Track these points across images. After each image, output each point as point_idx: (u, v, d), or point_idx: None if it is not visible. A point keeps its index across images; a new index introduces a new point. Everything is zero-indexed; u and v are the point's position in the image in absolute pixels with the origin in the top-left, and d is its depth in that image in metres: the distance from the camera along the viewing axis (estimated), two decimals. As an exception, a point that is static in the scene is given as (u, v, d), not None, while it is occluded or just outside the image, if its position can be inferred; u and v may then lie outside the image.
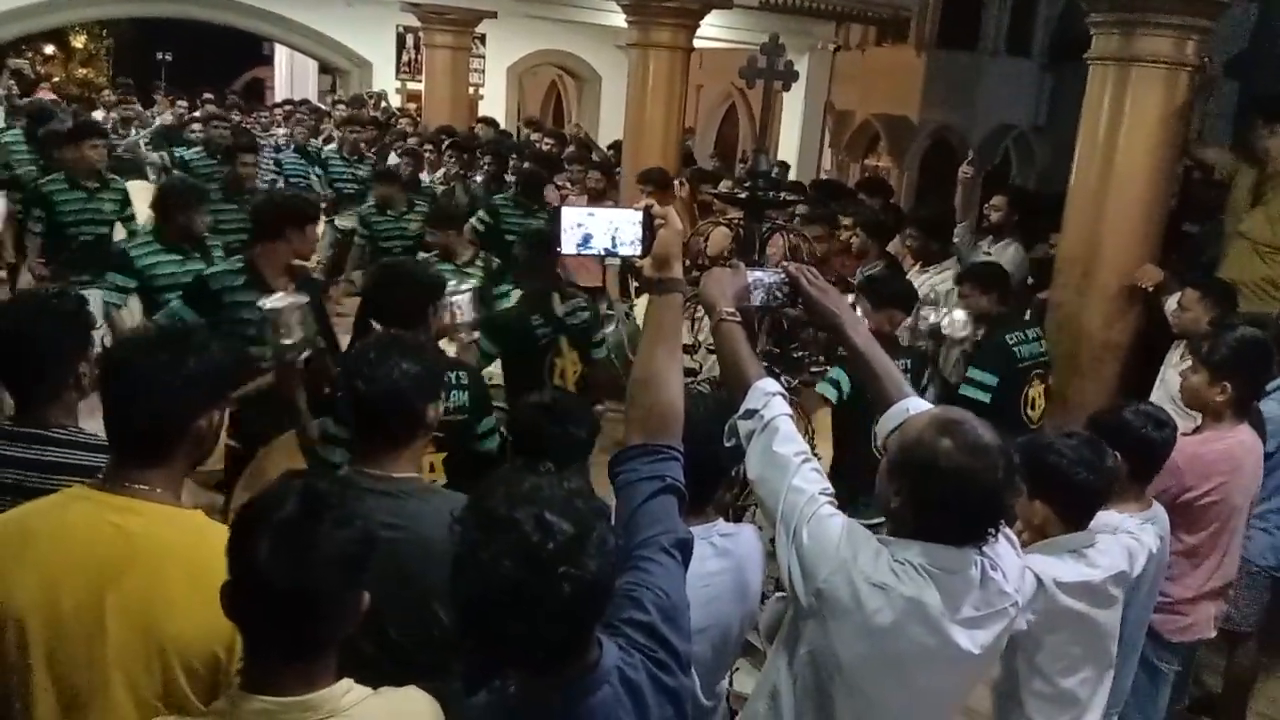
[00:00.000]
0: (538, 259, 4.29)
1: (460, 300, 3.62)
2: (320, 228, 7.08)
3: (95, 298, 4.85)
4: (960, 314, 4.41)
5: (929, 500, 1.80)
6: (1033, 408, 4.48)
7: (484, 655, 1.43)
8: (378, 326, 3.19)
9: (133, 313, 4.65)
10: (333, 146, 9.41)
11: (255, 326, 3.32)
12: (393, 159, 9.11)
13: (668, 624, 1.54)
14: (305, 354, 3.11)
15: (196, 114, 11.67)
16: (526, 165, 7.73)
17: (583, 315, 4.46)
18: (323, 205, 7.61)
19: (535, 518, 1.34)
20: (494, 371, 4.45)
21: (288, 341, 3.05)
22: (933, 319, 4.42)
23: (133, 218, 5.94)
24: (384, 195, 6.62)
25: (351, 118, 10.24)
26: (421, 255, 5.34)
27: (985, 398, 4.19)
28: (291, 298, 3.20)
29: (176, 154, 8.71)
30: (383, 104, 13.77)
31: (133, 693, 1.67)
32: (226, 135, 8.26)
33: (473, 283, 3.97)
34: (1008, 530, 1.93)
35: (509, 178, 7.93)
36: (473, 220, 6.60)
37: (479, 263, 5.30)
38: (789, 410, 2.01)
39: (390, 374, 2.15)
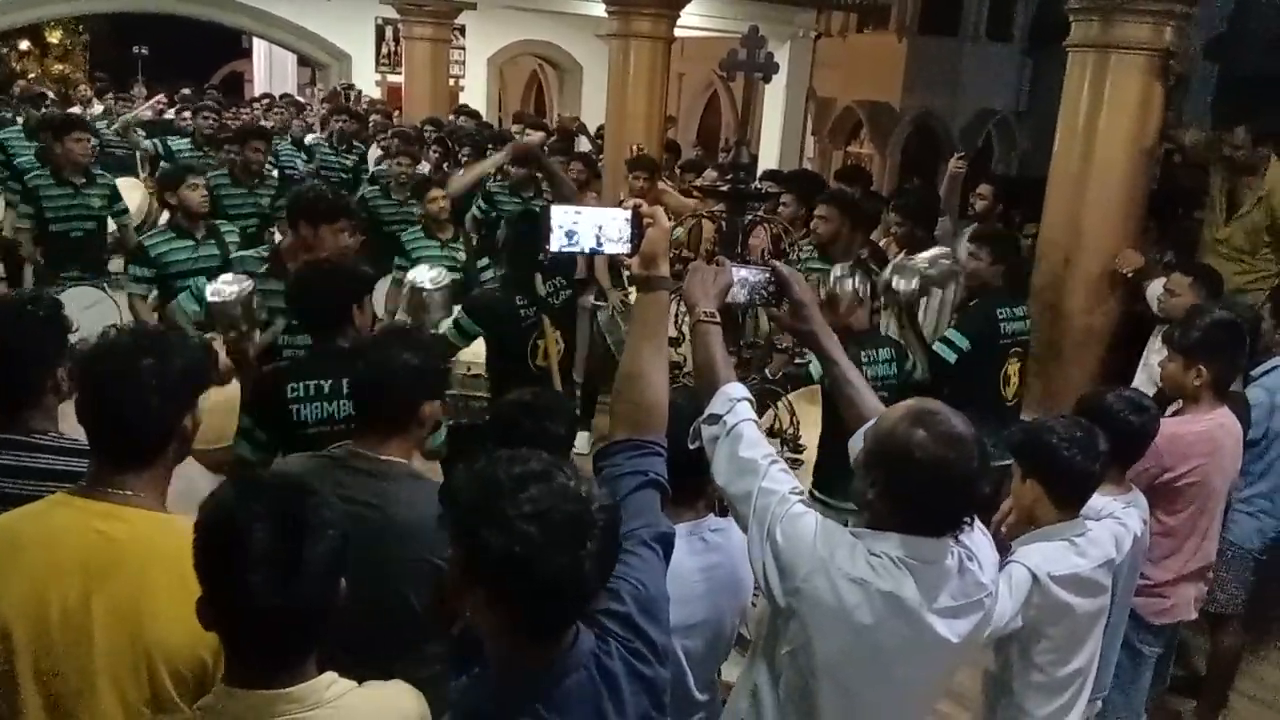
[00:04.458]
0: (522, 240, 4.32)
1: (436, 295, 4.10)
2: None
3: (75, 297, 4.84)
4: (923, 255, 4.31)
5: (904, 491, 1.82)
6: (1008, 385, 4.53)
7: (494, 626, 1.41)
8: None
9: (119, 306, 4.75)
10: (318, 136, 9.36)
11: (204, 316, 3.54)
12: (375, 151, 9.07)
13: (644, 615, 1.56)
14: (256, 338, 3.33)
15: (175, 108, 11.53)
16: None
17: (565, 295, 4.50)
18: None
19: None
20: (477, 361, 4.47)
21: (234, 332, 3.24)
22: (885, 275, 4.33)
23: (124, 212, 5.90)
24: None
25: (338, 108, 10.18)
26: (408, 233, 5.45)
27: (951, 357, 4.22)
28: (236, 286, 3.34)
29: (167, 143, 8.64)
30: (361, 97, 13.68)
31: (120, 699, 1.67)
32: (212, 125, 8.25)
33: (449, 279, 4.09)
34: (981, 524, 1.95)
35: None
36: (472, 209, 6.66)
37: (460, 240, 5.46)
38: (754, 416, 2.02)
39: (389, 363, 2.24)
